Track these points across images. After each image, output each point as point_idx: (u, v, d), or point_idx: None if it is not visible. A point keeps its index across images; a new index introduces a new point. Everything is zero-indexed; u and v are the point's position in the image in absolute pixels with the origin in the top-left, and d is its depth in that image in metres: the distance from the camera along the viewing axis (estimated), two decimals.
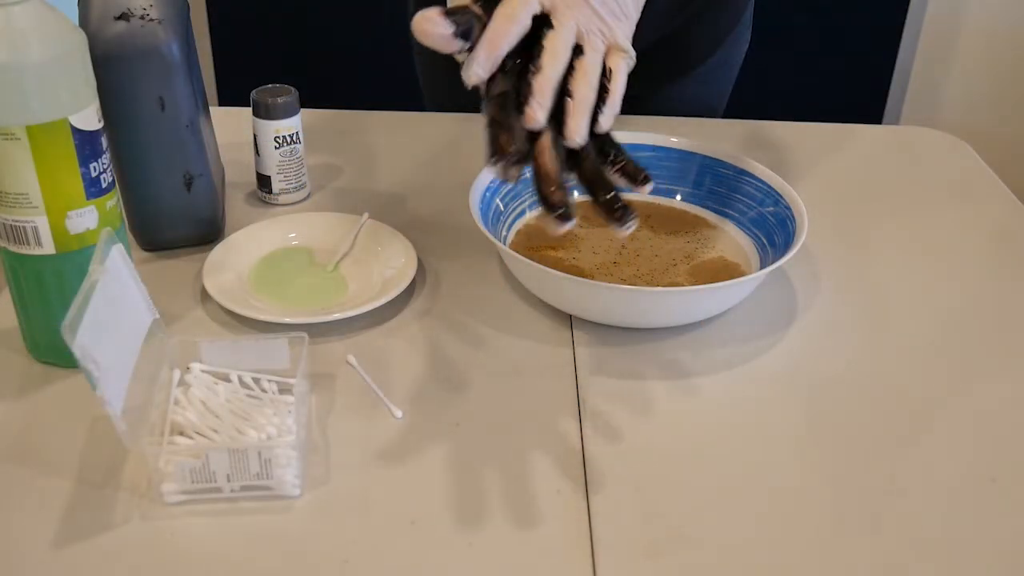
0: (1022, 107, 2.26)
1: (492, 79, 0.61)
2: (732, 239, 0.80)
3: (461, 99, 1.06)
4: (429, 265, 0.78)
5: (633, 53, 0.64)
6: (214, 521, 0.55)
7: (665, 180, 0.84)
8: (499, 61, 0.60)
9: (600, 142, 0.62)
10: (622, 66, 0.63)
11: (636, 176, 0.62)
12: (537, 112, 0.59)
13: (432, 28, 0.58)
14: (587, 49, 0.62)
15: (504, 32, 0.60)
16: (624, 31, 0.64)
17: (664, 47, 0.94)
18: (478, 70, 0.60)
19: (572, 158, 0.61)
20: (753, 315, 0.73)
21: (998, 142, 2.08)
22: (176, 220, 0.77)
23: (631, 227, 0.60)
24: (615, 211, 0.60)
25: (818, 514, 0.57)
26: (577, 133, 0.60)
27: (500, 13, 0.60)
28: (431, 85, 1.13)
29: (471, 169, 0.79)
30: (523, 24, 0.61)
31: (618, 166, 0.62)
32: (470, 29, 0.60)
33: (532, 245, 0.78)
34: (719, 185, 0.82)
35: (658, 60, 0.96)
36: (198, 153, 0.75)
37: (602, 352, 0.69)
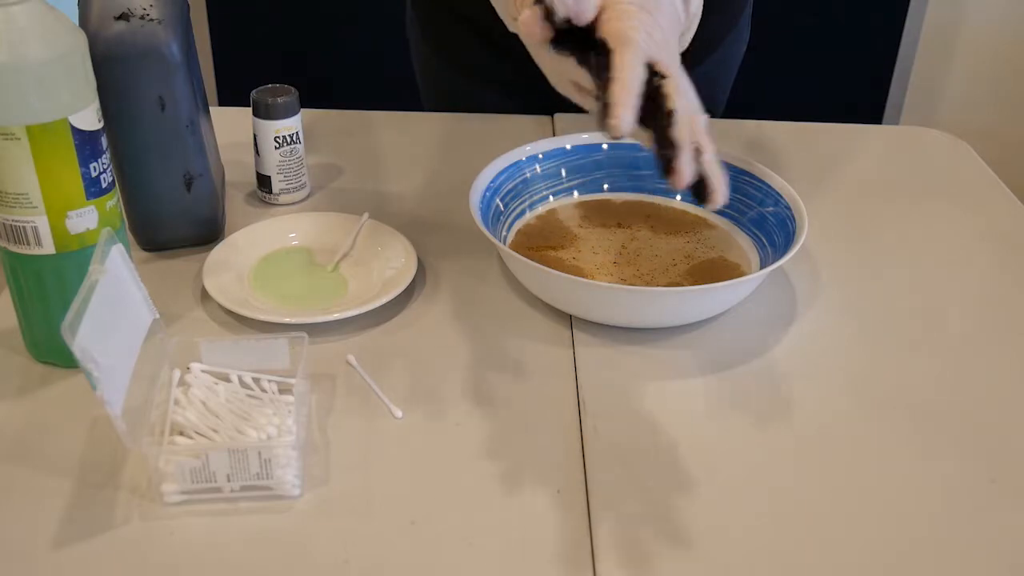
0: (1022, 107, 2.25)
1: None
2: (732, 239, 0.80)
3: (458, 100, 1.06)
4: (429, 265, 0.78)
5: (704, 113, 0.64)
6: (214, 521, 0.55)
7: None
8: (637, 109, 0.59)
9: None
10: (703, 126, 0.63)
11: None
12: (687, 167, 0.59)
13: (535, 29, 0.59)
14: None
15: (636, 82, 0.59)
16: (689, 85, 0.64)
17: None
18: (628, 119, 0.58)
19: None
20: (753, 315, 0.73)
21: (998, 142, 2.08)
22: (176, 220, 0.77)
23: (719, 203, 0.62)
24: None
25: (818, 514, 0.57)
26: (722, 193, 0.61)
27: (620, 63, 0.59)
28: (429, 86, 1.13)
29: (471, 169, 0.79)
30: (642, 74, 0.60)
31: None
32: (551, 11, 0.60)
33: (532, 245, 0.78)
34: None
35: None
36: (198, 153, 0.75)
37: (602, 352, 0.69)
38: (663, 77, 0.60)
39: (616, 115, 0.57)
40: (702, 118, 0.63)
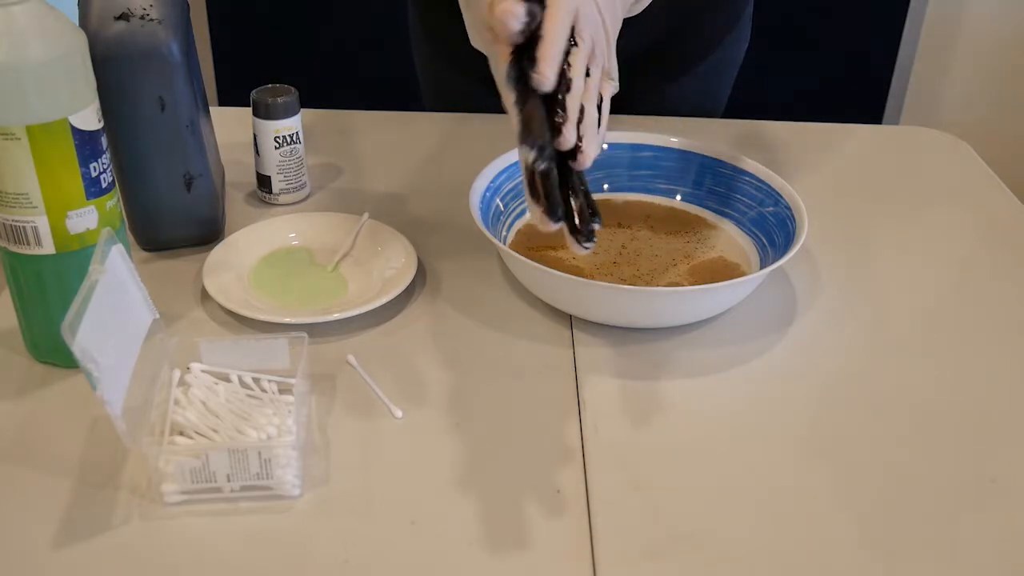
0: (1022, 107, 2.25)
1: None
2: (732, 239, 0.80)
3: (458, 100, 1.06)
4: (429, 265, 0.78)
5: (617, 80, 0.65)
6: (214, 521, 0.55)
7: (665, 180, 0.84)
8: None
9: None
10: (609, 94, 0.64)
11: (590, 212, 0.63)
12: (572, 133, 0.59)
13: (512, 22, 0.59)
14: (593, 71, 0.62)
15: (562, 42, 0.60)
16: (614, 51, 0.64)
17: (663, 46, 0.94)
18: (550, 75, 0.59)
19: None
20: (753, 315, 0.73)
21: (998, 142, 2.08)
22: (176, 220, 0.77)
23: (589, 249, 0.61)
24: (580, 233, 0.61)
25: (817, 513, 0.57)
26: (590, 158, 0.61)
27: (551, 28, 0.60)
28: (429, 85, 1.13)
29: (471, 169, 0.79)
30: (567, 34, 0.61)
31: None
32: (533, 22, 0.61)
33: (532, 245, 0.78)
34: (719, 185, 0.82)
35: (657, 59, 0.96)
36: (198, 153, 0.75)
37: (602, 352, 0.69)
38: (574, 44, 0.61)
39: (541, 71, 0.58)
40: (611, 86, 0.64)
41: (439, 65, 1.09)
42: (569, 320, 0.72)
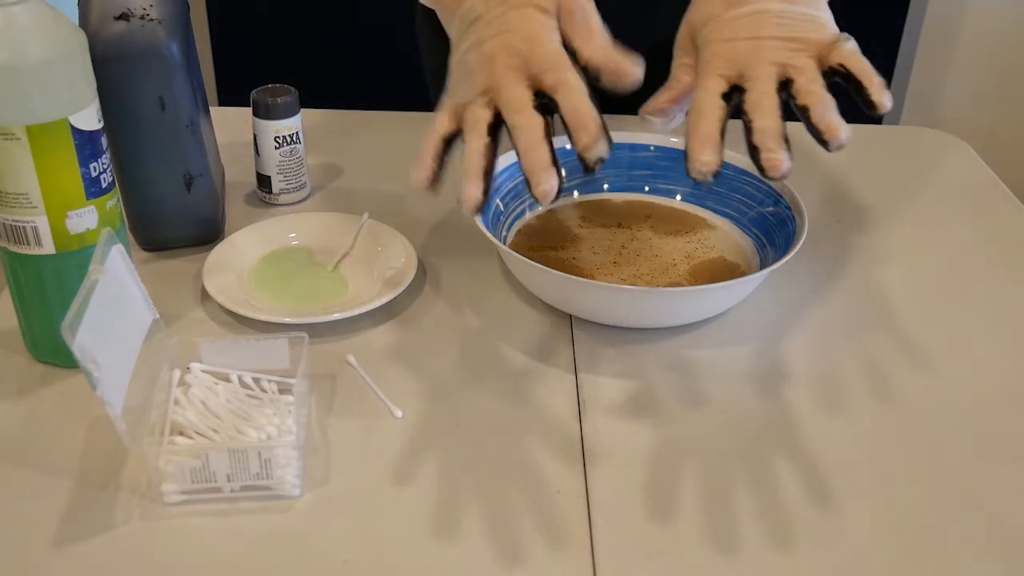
0: (1022, 107, 2.25)
1: None
2: (732, 239, 0.80)
3: None
4: (429, 265, 0.78)
5: (846, 35, 0.61)
6: (214, 521, 0.55)
7: (665, 180, 0.84)
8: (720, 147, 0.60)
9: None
10: (848, 51, 0.60)
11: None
12: (783, 160, 0.60)
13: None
14: (796, 76, 0.61)
15: (714, 132, 0.60)
16: (818, 25, 0.62)
17: (667, 47, 0.94)
18: (713, 160, 0.60)
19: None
20: (753, 315, 0.73)
21: (998, 142, 2.08)
22: (176, 220, 0.77)
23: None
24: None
25: (816, 513, 0.57)
26: (839, 130, 0.59)
27: (698, 107, 0.59)
28: (437, 85, 1.13)
29: None
30: (722, 108, 0.61)
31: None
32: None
33: (532, 245, 0.78)
34: (719, 185, 0.82)
35: (661, 60, 0.96)
36: (198, 153, 0.75)
37: (602, 352, 0.69)
38: (742, 93, 0.61)
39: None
40: (843, 49, 0.61)
41: (443, 61, 1.08)
42: (569, 320, 0.72)
